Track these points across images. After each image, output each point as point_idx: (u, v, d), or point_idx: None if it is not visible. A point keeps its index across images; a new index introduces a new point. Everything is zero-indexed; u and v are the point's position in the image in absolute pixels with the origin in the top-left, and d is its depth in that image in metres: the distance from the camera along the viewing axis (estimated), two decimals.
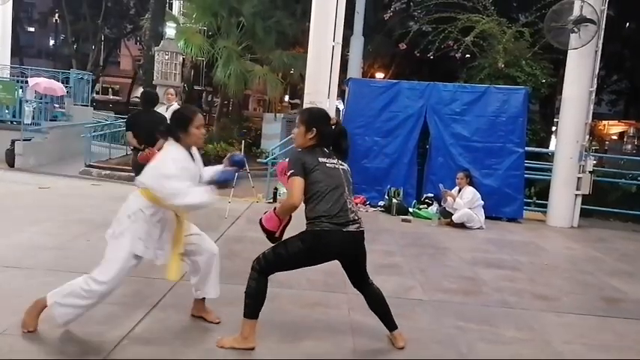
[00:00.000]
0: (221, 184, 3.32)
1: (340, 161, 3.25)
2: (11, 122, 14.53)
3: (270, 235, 3.24)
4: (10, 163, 12.76)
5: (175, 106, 7.40)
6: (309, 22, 9.36)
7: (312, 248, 3.13)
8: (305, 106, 9.20)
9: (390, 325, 3.38)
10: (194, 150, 3.39)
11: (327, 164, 3.16)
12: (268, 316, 3.72)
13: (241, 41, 16.73)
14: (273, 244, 3.24)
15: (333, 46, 9.12)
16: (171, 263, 3.27)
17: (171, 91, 7.51)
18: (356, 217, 3.18)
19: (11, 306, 3.54)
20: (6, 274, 4.24)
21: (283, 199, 3.22)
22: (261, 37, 16.65)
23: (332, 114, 9.24)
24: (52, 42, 41.26)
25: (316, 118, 3.28)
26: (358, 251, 3.26)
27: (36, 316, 3.18)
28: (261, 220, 3.24)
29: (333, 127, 3.28)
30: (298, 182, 3.07)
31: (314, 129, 3.19)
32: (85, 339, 3.16)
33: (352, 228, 3.13)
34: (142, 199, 3.20)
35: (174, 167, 3.10)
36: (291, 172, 3.09)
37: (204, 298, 3.60)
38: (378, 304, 3.37)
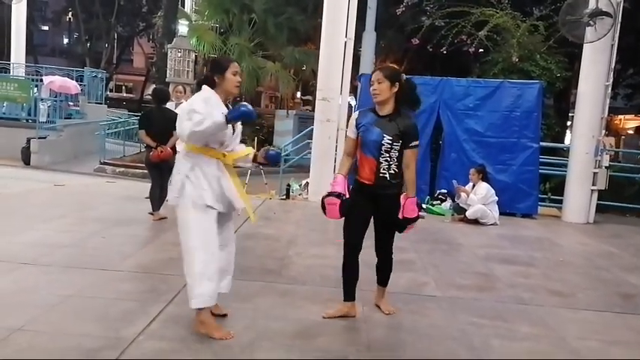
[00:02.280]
0: (243, 117, 3.30)
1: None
2: (26, 120, 14.72)
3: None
4: (26, 160, 12.92)
5: (185, 103, 7.38)
6: (321, 18, 9.33)
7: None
8: (318, 102, 9.22)
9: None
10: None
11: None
12: (282, 313, 3.74)
13: (253, 38, 16.76)
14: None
15: (345, 42, 9.09)
16: (248, 209, 3.43)
17: (180, 88, 7.49)
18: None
19: (28, 302, 3.59)
20: (22, 271, 4.29)
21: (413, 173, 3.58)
22: (272, 34, 16.67)
23: (344, 110, 9.30)
24: (65, 40, 41.62)
25: (404, 78, 3.57)
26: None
27: (213, 321, 3.31)
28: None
29: (411, 90, 3.60)
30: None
31: (397, 83, 3.50)
32: (102, 335, 3.18)
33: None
34: (189, 156, 3.28)
35: (202, 105, 3.18)
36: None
37: None
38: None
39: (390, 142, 3.47)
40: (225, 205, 3.32)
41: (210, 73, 3.37)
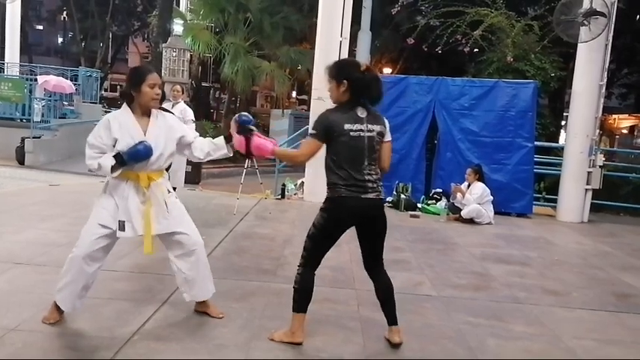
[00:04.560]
0: (244, 127, 3.28)
1: (370, 124, 3.10)
2: (21, 120, 14.64)
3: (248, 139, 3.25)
4: (20, 160, 12.85)
5: (182, 103, 7.34)
6: (317, 17, 9.33)
7: (333, 214, 3.12)
8: (313, 102, 9.21)
9: (391, 318, 3.32)
10: (161, 116, 3.33)
11: (352, 132, 3.05)
12: (278, 312, 3.74)
13: (249, 37, 16.74)
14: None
15: (341, 42, 9.08)
16: (146, 237, 3.24)
17: (178, 87, 7.43)
18: (375, 187, 3.13)
19: (23, 302, 3.58)
20: (18, 271, 4.27)
21: (295, 150, 3.21)
22: (268, 33, 16.65)
23: None
24: (60, 40, 41.45)
25: (345, 68, 3.17)
26: (377, 216, 3.19)
27: (56, 310, 3.32)
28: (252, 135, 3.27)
29: (365, 74, 3.10)
30: (314, 145, 3.10)
31: (345, 82, 3.08)
32: (96, 335, 3.18)
33: (371, 195, 3.11)
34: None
35: (101, 134, 3.18)
36: (313, 131, 3.08)
37: None
38: (385, 294, 3.30)
39: None
40: (136, 226, 3.23)
41: (126, 87, 3.26)
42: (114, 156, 3.14)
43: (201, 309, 3.60)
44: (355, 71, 3.10)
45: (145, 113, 3.28)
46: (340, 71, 3.15)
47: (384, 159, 3.24)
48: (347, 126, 3.05)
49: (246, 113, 3.53)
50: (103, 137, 3.19)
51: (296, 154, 3.12)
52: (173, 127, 3.38)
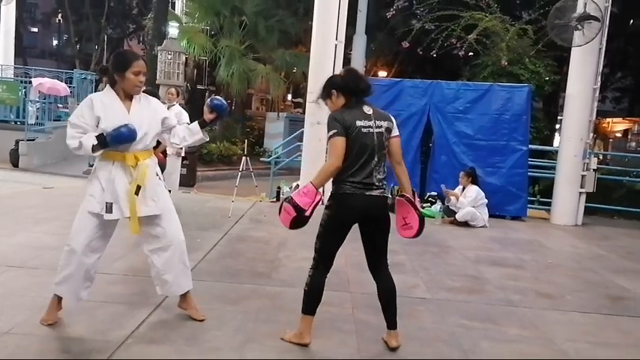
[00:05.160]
0: (216, 111, 3.33)
1: (378, 121, 3.17)
2: (15, 122, 14.58)
3: (300, 214, 3.02)
4: (14, 163, 12.79)
5: (177, 106, 7.33)
6: (312, 20, 9.35)
7: (338, 211, 3.14)
8: (308, 105, 9.23)
9: (391, 322, 3.32)
10: (144, 99, 3.33)
11: (363, 128, 3.10)
12: (272, 315, 3.74)
13: (244, 40, 16.76)
14: (297, 228, 3.12)
15: (336, 45, 9.10)
16: (132, 217, 3.21)
17: (172, 90, 7.41)
18: (380, 185, 3.16)
19: (16, 306, 3.57)
20: (11, 274, 4.25)
21: (326, 163, 3.14)
22: (263, 36, 16.68)
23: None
24: (55, 42, 41.35)
25: (329, 83, 3.28)
26: (382, 215, 3.21)
27: (54, 309, 3.32)
28: (292, 198, 3.05)
29: (344, 74, 3.27)
30: (340, 142, 3.06)
31: (333, 91, 3.21)
32: (90, 338, 3.16)
33: (375, 193, 3.14)
34: (96, 159, 3.29)
35: (84, 113, 3.17)
36: (332, 132, 3.07)
37: (188, 292, 3.54)
38: (387, 296, 3.30)
39: None
40: (123, 208, 3.20)
41: (111, 70, 3.23)
42: (97, 136, 3.12)
43: (183, 307, 3.56)
44: (335, 78, 3.31)
45: (128, 97, 3.28)
46: (325, 88, 3.28)
47: (396, 153, 3.29)
48: (358, 122, 3.11)
49: (218, 97, 3.57)
50: (86, 116, 3.17)
51: (328, 164, 3.07)
52: (157, 109, 3.40)
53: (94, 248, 3.26)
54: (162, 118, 3.39)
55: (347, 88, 3.19)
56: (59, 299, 3.33)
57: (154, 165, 3.37)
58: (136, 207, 3.21)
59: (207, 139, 3.54)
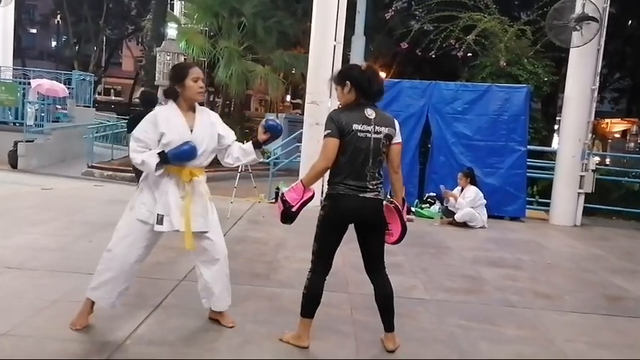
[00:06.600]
0: (270, 132, 3.35)
1: (378, 126, 3.12)
2: (14, 124, 14.60)
3: (287, 209, 3.09)
4: (13, 164, 12.80)
5: None
6: (310, 22, 9.35)
7: (332, 210, 3.14)
8: (307, 106, 9.24)
9: (389, 325, 3.31)
10: (205, 113, 3.36)
11: (360, 132, 3.07)
12: (270, 317, 3.74)
13: (242, 41, 16.73)
14: (286, 223, 3.16)
15: (335, 46, 9.10)
16: (186, 233, 3.22)
17: None
18: (374, 188, 3.15)
19: (14, 307, 3.56)
20: (8, 276, 4.24)
21: (315, 162, 3.15)
22: (262, 38, 16.65)
23: None
24: (53, 43, 41.32)
25: (347, 72, 3.25)
26: (377, 218, 3.21)
27: (86, 314, 3.31)
28: (283, 193, 3.13)
29: (365, 71, 3.18)
30: (332, 143, 3.05)
31: (347, 82, 3.15)
32: (88, 339, 3.16)
33: (369, 195, 3.13)
34: None
35: (147, 129, 3.20)
36: (327, 132, 3.07)
37: None
38: (384, 300, 3.30)
39: None
40: (173, 221, 3.20)
41: (170, 84, 3.29)
42: (158, 154, 3.14)
43: (215, 317, 3.56)
44: (355, 71, 3.20)
45: (190, 108, 3.31)
46: (342, 74, 3.24)
47: (394, 160, 3.25)
48: (355, 126, 3.08)
49: (272, 118, 3.61)
50: (149, 132, 3.20)
51: (317, 164, 3.09)
52: (214, 124, 3.40)
53: (136, 256, 3.27)
54: (218, 134, 3.39)
55: (361, 85, 3.14)
56: (92, 304, 3.32)
57: (204, 181, 3.40)
58: (190, 222, 3.22)
59: (260, 160, 3.57)
